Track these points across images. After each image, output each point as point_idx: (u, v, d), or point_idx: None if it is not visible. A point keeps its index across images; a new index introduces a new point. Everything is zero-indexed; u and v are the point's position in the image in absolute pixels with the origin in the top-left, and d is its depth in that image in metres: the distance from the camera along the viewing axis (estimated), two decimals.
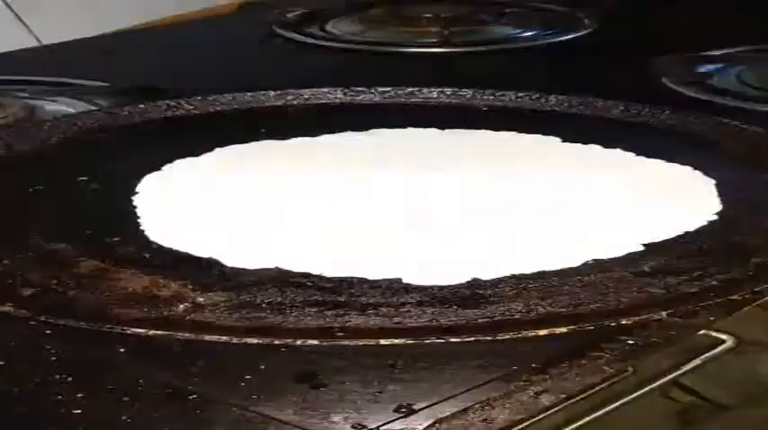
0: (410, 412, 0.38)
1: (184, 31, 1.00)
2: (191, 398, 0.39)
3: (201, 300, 0.47)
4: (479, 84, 0.75)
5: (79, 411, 0.38)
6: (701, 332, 0.42)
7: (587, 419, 0.37)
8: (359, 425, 0.37)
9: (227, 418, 0.38)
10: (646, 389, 0.38)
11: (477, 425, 0.37)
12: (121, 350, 0.43)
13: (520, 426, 0.37)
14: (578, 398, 0.38)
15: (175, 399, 0.39)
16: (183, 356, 0.42)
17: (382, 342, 0.43)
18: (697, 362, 0.40)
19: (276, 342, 0.43)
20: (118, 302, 0.47)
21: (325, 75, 0.82)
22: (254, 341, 0.43)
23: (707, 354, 0.41)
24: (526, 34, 0.95)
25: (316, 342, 0.43)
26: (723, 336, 0.42)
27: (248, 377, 0.40)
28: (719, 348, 0.41)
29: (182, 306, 0.47)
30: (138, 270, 0.50)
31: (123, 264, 0.50)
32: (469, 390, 0.39)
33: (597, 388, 0.39)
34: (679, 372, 0.39)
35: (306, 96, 0.75)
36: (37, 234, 0.55)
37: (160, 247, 0.53)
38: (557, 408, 0.37)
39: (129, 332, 0.44)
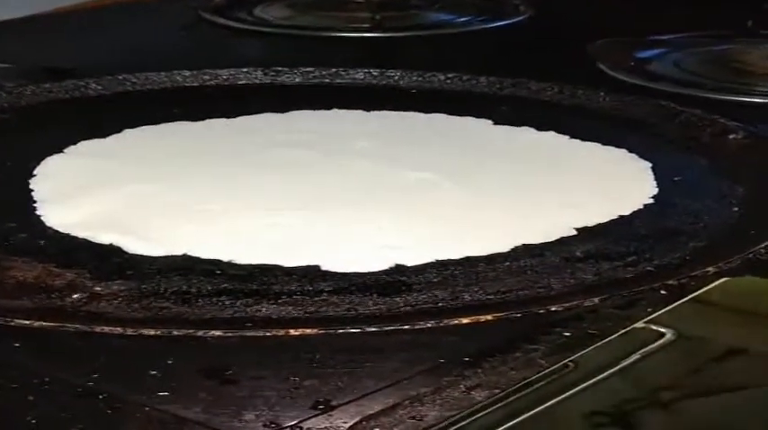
0: (328, 408, 0.36)
1: (105, 14, 0.98)
2: (101, 397, 0.37)
3: (98, 289, 0.45)
4: (411, 68, 0.74)
5: None
6: (640, 325, 0.41)
7: (523, 417, 0.36)
8: (272, 423, 0.36)
9: (140, 418, 0.36)
10: (586, 384, 0.37)
11: (405, 423, 0.35)
12: (16, 345, 0.40)
13: (452, 424, 0.35)
14: (516, 394, 0.37)
15: (84, 398, 0.37)
16: (84, 351, 0.40)
17: (293, 332, 0.41)
18: (637, 356, 0.39)
19: (175, 333, 0.41)
20: (6, 292, 0.45)
21: (252, 60, 0.80)
22: (152, 332, 0.41)
23: (647, 348, 0.40)
24: (459, 20, 0.94)
25: (219, 333, 0.41)
26: (663, 330, 0.41)
27: (153, 372, 0.38)
28: (659, 342, 0.40)
29: (75, 296, 0.45)
30: (30, 258, 0.48)
31: (15, 252, 0.48)
32: (393, 385, 0.38)
33: (533, 382, 0.37)
34: (619, 367, 0.38)
35: (224, 77, 0.73)
36: None
37: (57, 234, 0.51)
38: (490, 404, 0.36)
39: (12, 324, 0.41)
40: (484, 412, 0.36)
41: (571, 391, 0.37)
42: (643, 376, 0.38)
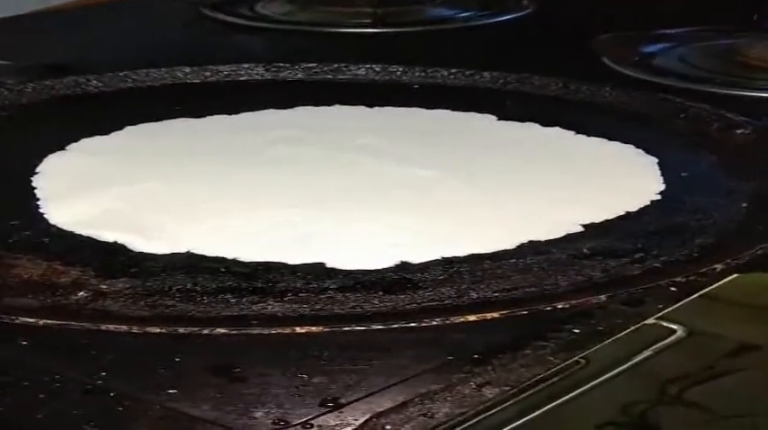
0: (337, 406, 0.36)
1: (102, 11, 0.97)
2: (111, 394, 0.37)
3: (104, 287, 0.45)
4: (413, 63, 0.73)
5: None
6: (651, 322, 0.41)
7: (535, 414, 0.35)
8: (281, 420, 0.35)
9: (151, 415, 0.36)
10: (597, 380, 0.37)
11: (416, 420, 0.35)
12: (24, 343, 0.40)
13: (463, 421, 0.35)
14: (527, 391, 0.36)
15: (94, 395, 0.37)
16: (91, 349, 0.40)
17: (299, 330, 0.41)
18: (648, 352, 0.39)
19: (181, 330, 0.41)
20: (12, 291, 0.45)
21: (253, 55, 0.79)
22: (158, 330, 0.41)
23: (658, 345, 0.39)
24: (462, 15, 0.94)
25: (225, 331, 0.41)
26: (673, 326, 0.40)
27: (162, 370, 0.38)
28: (670, 338, 0.40)
29: (81, 293, 0.44)
30: (35, 256, 0.47)
31: (19, 250, 0.48)
32: (402, 382, 0.37)
33: (544, 379, 0.37)
34: (631, 363, 0.38)
35: (225, 73, 0.73)
36: None
37: (60, 231, 0.50)
38: (501, 401, 0.36)
39: (18, 322, 0.41)
40: (495, 409, 0.35)
41: (583, 388, 0.36)
42: (655, 372, 0.38)
